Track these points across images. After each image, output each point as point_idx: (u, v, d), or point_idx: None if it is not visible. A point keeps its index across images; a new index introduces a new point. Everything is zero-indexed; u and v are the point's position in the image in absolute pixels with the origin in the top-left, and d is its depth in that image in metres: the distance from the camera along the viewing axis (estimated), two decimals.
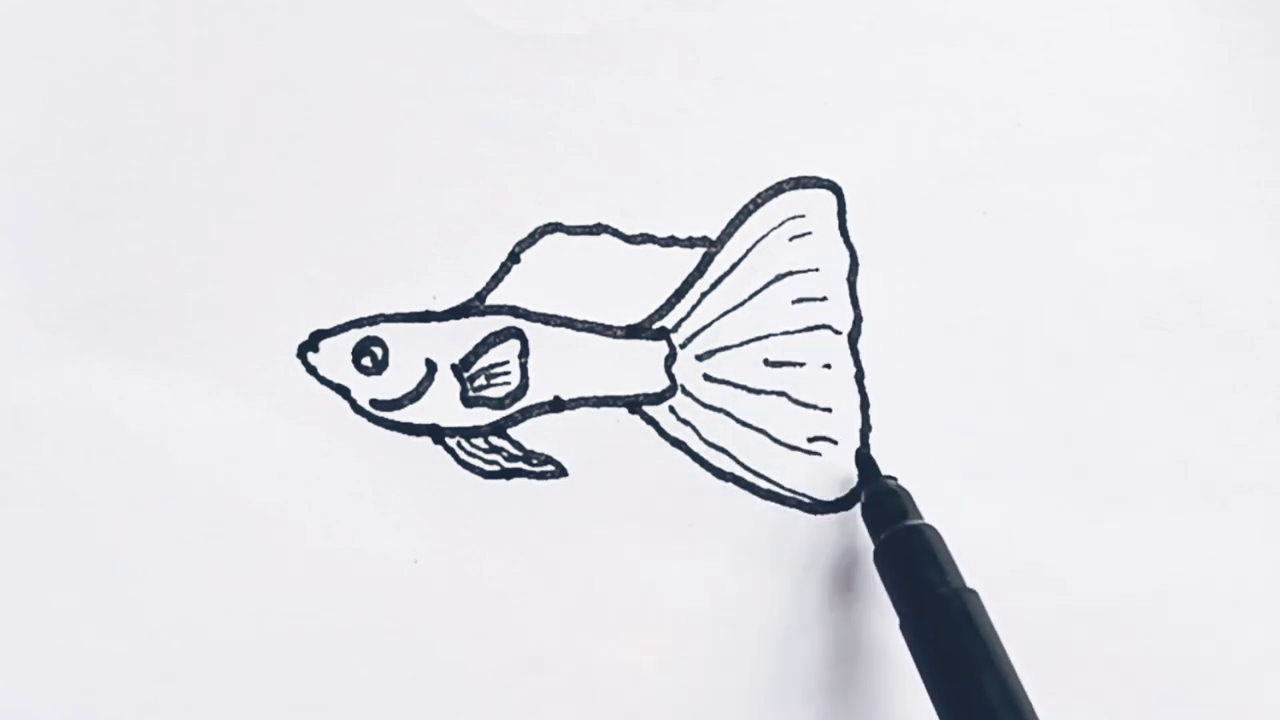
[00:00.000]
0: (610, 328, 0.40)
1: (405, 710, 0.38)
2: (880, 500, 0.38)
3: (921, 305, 0.40)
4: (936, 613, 0.35)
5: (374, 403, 0.39)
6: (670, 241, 0.40)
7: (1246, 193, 0.41)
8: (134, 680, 0.38)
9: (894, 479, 0.39)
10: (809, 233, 0.40)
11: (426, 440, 0.39)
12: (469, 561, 0.38)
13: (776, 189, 0.40)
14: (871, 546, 0.37)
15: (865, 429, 0.40)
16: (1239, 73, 0.41)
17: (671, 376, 0.40)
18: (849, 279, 0.40)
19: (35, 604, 0.38)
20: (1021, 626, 0.40)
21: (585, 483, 0.39)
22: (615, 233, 0.40)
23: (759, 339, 0.40)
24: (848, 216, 0.40)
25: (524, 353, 0.39)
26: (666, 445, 0.40)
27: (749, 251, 0.40)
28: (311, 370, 0.39)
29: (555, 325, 0.40)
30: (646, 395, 0.40)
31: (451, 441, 0.39)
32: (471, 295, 0.39)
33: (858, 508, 0.39)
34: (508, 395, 0.39)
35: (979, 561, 0.40)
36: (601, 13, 0.39)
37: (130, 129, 0.38)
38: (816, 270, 0.40)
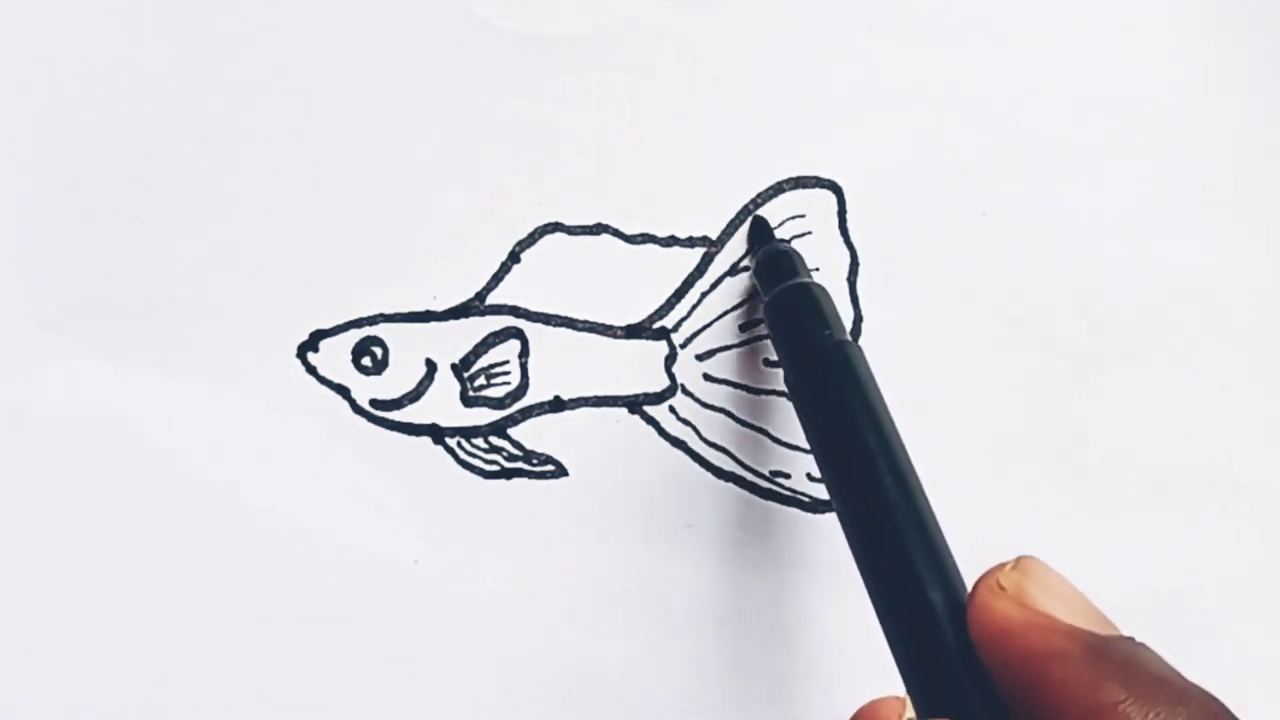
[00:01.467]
0: (610, 328, 0.40)
1: (405, 710, 0.38)
2: (772, 260, 0.38)
3: (921, 305, 0.40)
4: (818, 364, 0.34)
5: (374, 403, 0.39)
6: (670, 241, 0.40)
7: (1246, 193, 0.41)
8: (134, 680, 0.38)
9: (786, 241, 0.39)
10: (809, 233, 0.40)
11: (426, 440, 0.39)
12: (469, 561, 0.38)
13: (776, 189, 0.40)
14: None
15: None
16: (1239, 72, 0.41)
17: (671, 376, 0.40)
18: (849, 279, 0.40)
19: (35, 604, 0.38)
20: None
21: (585, 483, 0.39)
22: (615, 233, 0.40)
23: (759, 339, 0.40)
24: (848, 216, 0.40)
25: (524, 353, 0.39)
26: (666, 445, 0.40)
27: (749, 251, 0.40)
28: (311, 370, 0.39)
29: (555, 325, 0.40)
30: (646, 395, 0.40)
31: (451, 441, 0.39)
32: (471, 295, 0.39)
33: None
34: (508, 395, 0.39)
35: (979, 561, 0.40)
36: (601, 13, 0.39)
37: (130, 129, 0.38)
38: (816, 270, 0.40)
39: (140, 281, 0.38)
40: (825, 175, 0.40)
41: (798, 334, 0.35)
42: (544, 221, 0.39)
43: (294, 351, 0.39)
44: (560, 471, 0.39)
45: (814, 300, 0.36)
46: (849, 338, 0.35)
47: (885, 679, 0.39)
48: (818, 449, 0.34)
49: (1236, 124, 0.41)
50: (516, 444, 0.39)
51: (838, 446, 0.33)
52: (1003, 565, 0.29)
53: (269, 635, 0.38)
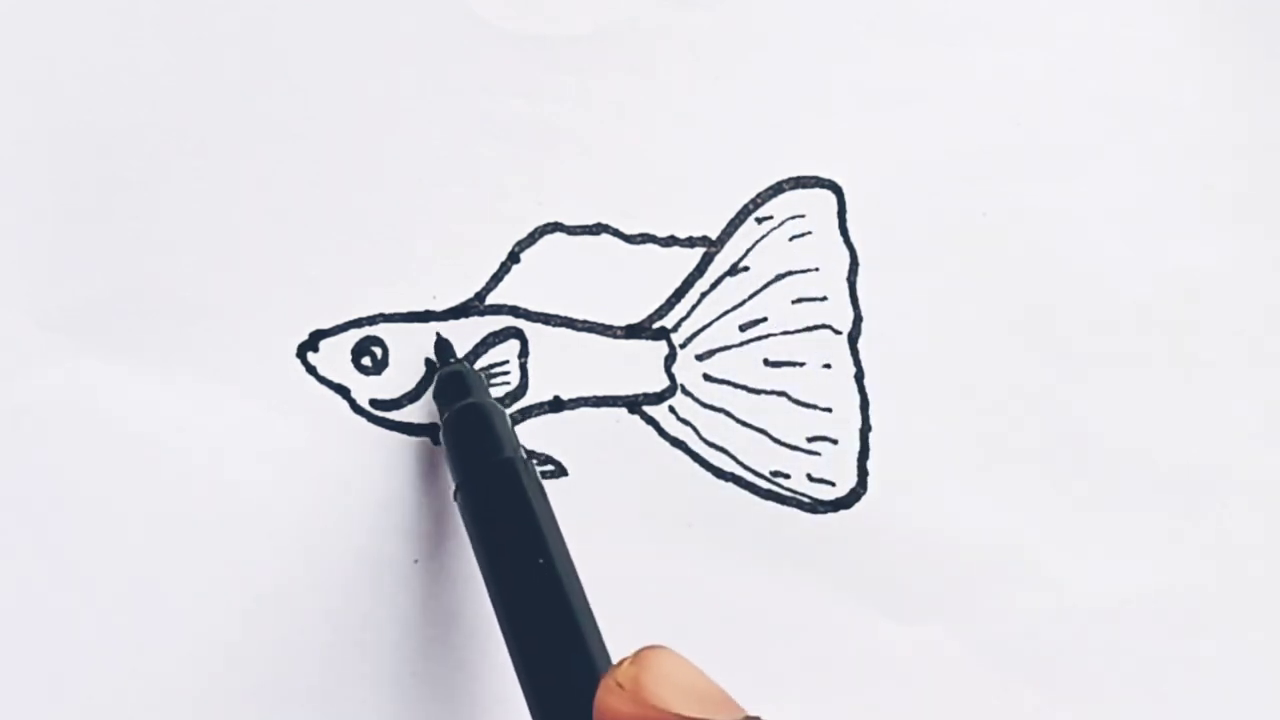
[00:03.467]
0: (610, 328, 0.40)
1: (405, 710, 0.38)
2: (447, 382, 0.38)
3: (921, 305, 0.40)
4: (487, 480, 0.35)
5: (374, 403, 0.39)
6: (670, 241, 0.40)
7: (1246, 193, 0.41)
8: (134, 680, 0.38)
9: (463, 361, 0.39)
10: (809, 232, 0.40)
11: (426, 440, 0.39)
12: (469, 561, 0.38)
13: (776, 189, 0.40)
14: None
15: (865, 429, 0.40)
16: (1239, 72, 0.41)
17: (671, 376, 0.40)
18: (849, 279, 0.40)
19: (35, 604, 0.38)
20: (1021, 626, 0.40)
21: (585, 483, 0.39)
22: (615, 233, 0.40)
23: (759, 339, 0.40)
24: (848, 216, 0.40)
25: (524, 353, 0.39)
26: (666, 445, 0.40)
27: (749, 251, 0.40)
28: (311, 370, 0.39)
29: (555, 325, 0.40)
30: (646, 395, 0.40)
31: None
32: (471, 295, 0.39)
33: (857, 509, 0.39)
34: (508, 395, 0.39)
35: (979, 561, 0.40)
36: (601, 13, 0.39)
37: (130, 129, 0.38)
38: (816, 270, 0.40)
39: (140, 281, 0.38)
40: (825, 175, 0.40)
41: (469, 451, 0.36)
42: (544, 221, 0.39)
43: (294, 351, 0.39)
44: (560, 471, 0.39)
45: (486, 419, 0.36)
46: (520, 453, 0.36)
47: (885, 679, 0.39)
48: (482, 556, 0.34)
49: (1236, 123, 0.41)
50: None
51: (501, 554, 0.34)
52: (623, 661, 0.29)
53: (268, 635, 0.38)
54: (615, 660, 0.29)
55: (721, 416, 0.40)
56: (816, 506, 0.40)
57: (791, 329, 0.40)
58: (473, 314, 0.39)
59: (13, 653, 0.37)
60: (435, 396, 0.38)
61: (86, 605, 0.38)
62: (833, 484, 0.40)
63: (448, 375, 0.38)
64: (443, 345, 0.39)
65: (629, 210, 0.40)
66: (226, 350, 0.38)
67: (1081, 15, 0.41)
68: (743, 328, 0.40)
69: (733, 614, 0.39)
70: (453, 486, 0.36)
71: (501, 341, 0.39)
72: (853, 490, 0.40)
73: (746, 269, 0.40)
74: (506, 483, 0.35)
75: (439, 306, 0.39)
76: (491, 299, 0.39)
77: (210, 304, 0.38)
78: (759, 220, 0.40)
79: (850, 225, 0.40)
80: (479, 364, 0.39)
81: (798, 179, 0.40)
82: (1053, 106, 0.40)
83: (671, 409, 0.40)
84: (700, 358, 0.40)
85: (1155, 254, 0.41)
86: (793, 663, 0.39)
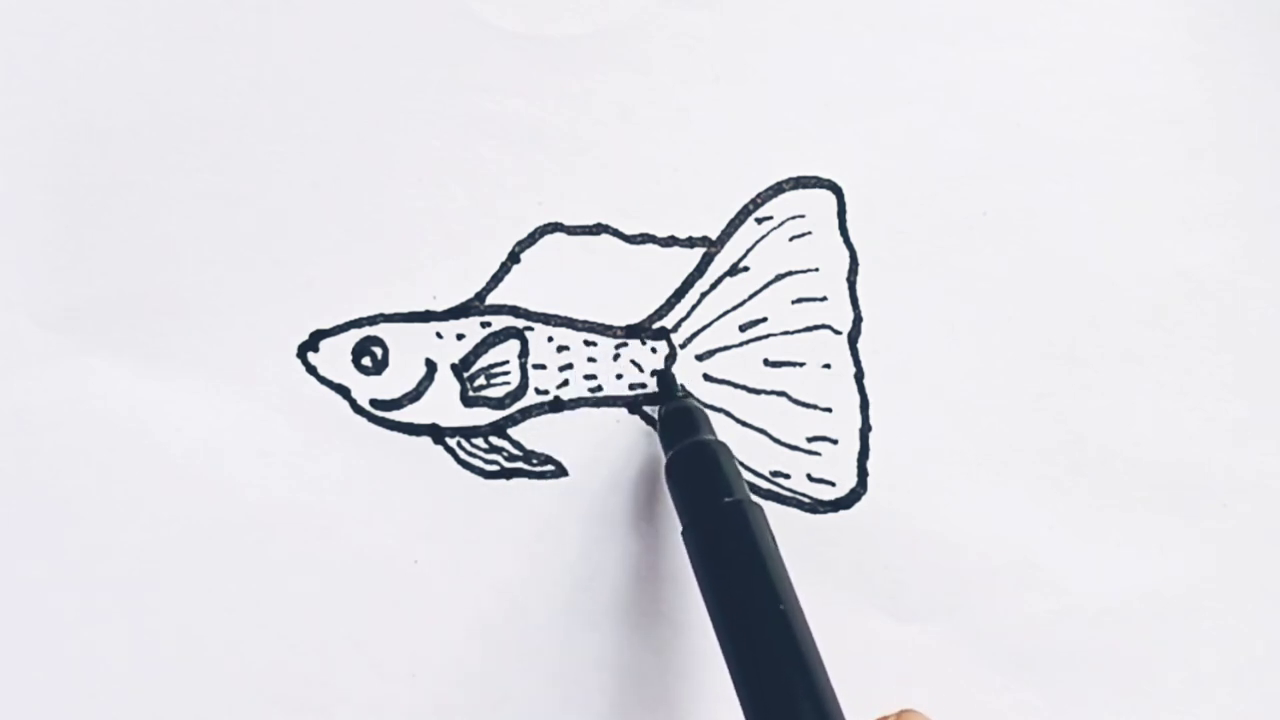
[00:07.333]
0: (610, 328, 0.40)
1: (405, 709, 0.38)
2: (674, 417, 0.38)
3: (921, 305, 0.40)
4: (717, 522, 0.35)
5: (374, 402, 0.39)
6: (670, 241, 0.40)
7: (1246, 193, 0.41)
8: (134, 679, 0.38)
9: (691, 395, 0.39)
10: (809, 233, 0.40)
11: (426, 440, 0.39)
12: (469, 561, 0.38)
13: (776, 189, 0.40)
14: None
15: (865, 429, 0.40)
16: (1239, 72, 0.41)
17: (671, 376, 0.40)
18: (849, 279, 0.40)
19: (35, 604, 0.38)
20: (1021, 626, 0.40)
21: (585, 483, 0.39)
22: (615, 233, 0.40)
23: (759, 339, 0.40)
24: (848, 216, 0.40)
25: (524, 353, 0.39)
26: None
27: (749, 251, 0.40)
28: (311, 370, 0.39)
29: (555, 325, 0.40)
30: (646, 395, 0.40)
31: (451, 441, 0.39)
32: (471, 295, 0.39)
33: (857, 509, 0.39)
34: (507, 395, 0.39)
35: (979, 561, 0.40)
36: (601, 13, 0.39)
37: (130, 129, 0.38)
38: (816, 270, 0.40)
39: (140, 281, 0.38)
40: (825, 175, 0.40)
41: (698, 490, 0.36)
42: (544, 221, 0.39)
43: (294, 351, 0.39)
44: (560, 471, 0.39)
45: (714, 458, 0.36)
46: (749, 496, 0.36)
47: (885, 679, 0.39)
48: (712, 601, 0.34)
49: (1236, 123, 0.41)
50: (516, 444, 0.39)
51: (732, 599, 0.34)
52: (885, 718, 0.29)
53: (268, 634, 0.38)
54: (871, 718, 0.30)
55: (721, 416, 0.40)
56: (816, 506, 0.40)
57: (791, 329, 0.40)
58: (473, 314, 0.39)
59: (13, 652, 0.37)
60: (661, 431, 0.38)
61: (86, 604, 0.38)
62: (833, 484, 0.40)
63: (674, 411, 0.38)
64: (666, 379, 0.39)
65: (629, 210, 0.40)
66: (227, 350, 0.38)
67: (1081, 15, 0.41)
68: (743, 328, 0.40)
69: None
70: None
71: (501, 341, 0.39)
72: (853, 490, 0.40)
73: (746, 269, 0.40)
74: (739, 525, 0.34)
75: (439, 306, 0.39)
76: (491, 299, 0.39)
77: (210, 304, 0.38)
78: (759, 220, 0.40)
79: (850, 225, 0.40)
80: (479, 364, 0.39)
81: (798, 179, 0.40)
82: (1053, 106, 0.40)
83: None
84: (700, 358, 0.40)
85: (1155, 254, 0.41)
86: None
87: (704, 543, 0.35)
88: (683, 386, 0.39)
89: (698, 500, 0.35)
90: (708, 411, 0.38)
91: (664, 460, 0.37)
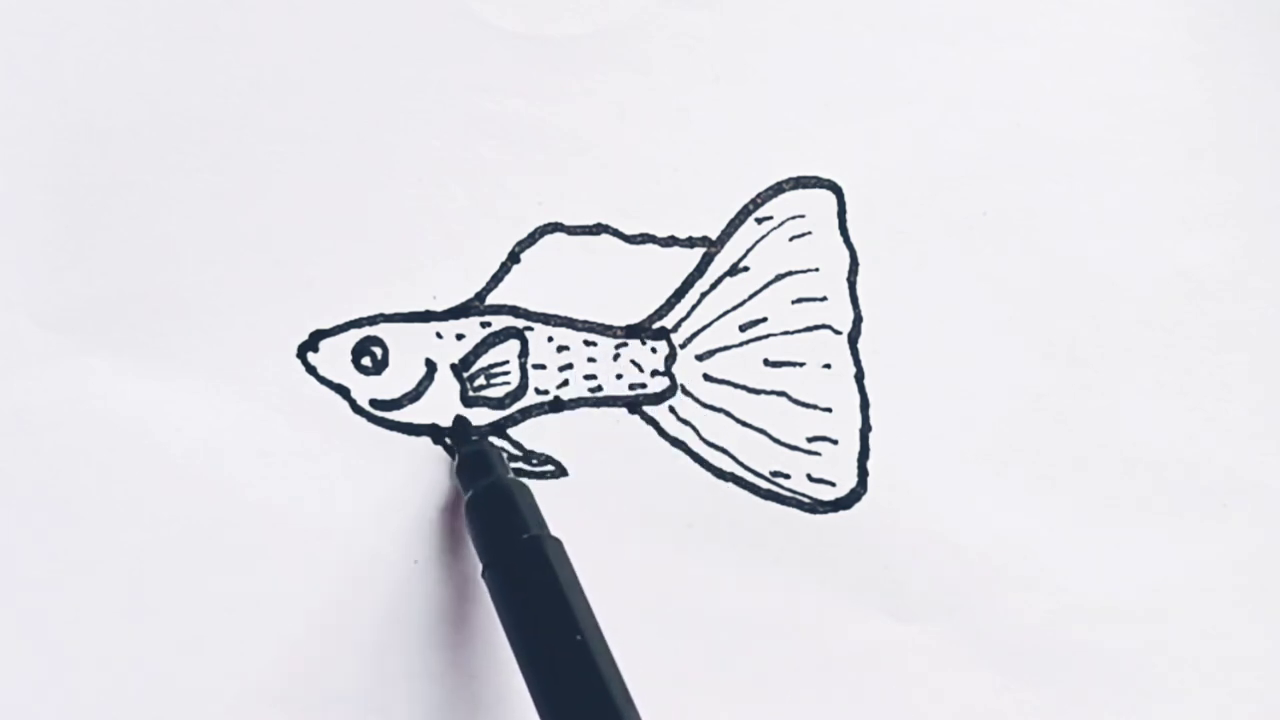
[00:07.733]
0: (610, 328, 0.40)
1: (405, 709, 0.38)
2: (470, 461, 0.38)
3: (921, 305, 0.40)
4: (516, 559, 0.36)
5: (374, 403, 0.39)
6: (670, 241, 0.40)
7: (1246, 193, 0.41)
8: (134, 679, 0.38)
9: (484, 439, 0.39)
10: (809, 233, 0.40)
11: (426, 440, 0.39)
12: (469, 561, 0.38)
13: (776, 189, 0.40)
14: None
15: (865, 429, 0.40)
16: (1239, 72, 0.41)
17: (671, 376, 0.40)
18: (849, 279, 0.40)
19: (35, 604, 0.38)
20: (1021, 626, 0.40)
21: (585, 483, 0.39)
22: (615, 233, 0.40)
23: (759, 339, 0.40)
24: (848, 216, 0.40)
25: (524, 353, 0.39)
26: (666, 445, 0.40)
27: (749, 251, 0.40)
28: (311, 370, 0.39)
29: (555, 325, 0.40)
30: (646, 395, 0.40)
31: (451, 441, 0.39)
32: (471, 295, 0.39)
33: (857, 509, 0.39)
34: (507, 395, 0.39)
35: (979, 561, 0.40)
36: (601, 13, 0.39)
37: (130, 129, 0.38)
38: (816, 270, 0.40)
39: (140, 281, 0.38)
40: (825, 175, 0.40)
41: (496, 529, 0.36)
42: (544, 221, 0.39)
43: (294, 351, 0.39)
44: (560, 471, 0.39)
45: (511, 497, 0.37)
46: (547, 531, 0.36)
47: (885, 679, 0.39)
48: (515, 637, 0.35)
49: (1236, 123, 0.41)
50: (516, 444, 0.39)
51: (534, 635, 0.34)
52: None
53: (268, 634, 0.38)
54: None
55: (721, 416, 0.40)
56: (816, 506, 0.40)
57: (791, 329, 0.40)
58: (473, 314, 0.39)
59: (13, 652, 0.37)
60: (458, 475, 0.38)
61: (86, 604, 0.38)
62: (833, 484, 0.40)
63: (469, 454, 0.38)
64: (461, 423, 0.39)
65: (629, 210, 0.40)
66: (227, 350, 0.38)
67: (1081, 15, 0.41)
68: (743, 328, 0.40)
69: (733, 614, 0.39)
70: (479, 566, 0.36)
71: (501, 341, 0.39)
72: (853, 490, 0.40)
73: (746, 269, 0.40)
74: (534, 561, 0.35)
75: (439, 306, 0.39)
76: (491, 299, 0.39)
77: (210, 304, 0.38)
78: (759, 220, 0.40)
79: (850, 225, 0.40)
80: (479, 364, 0.39)
81: (798, 179, 0.40)
82: (1052, 106, 0.41)
83: (671, 409, 0.40)
84: (700, 358, 0.40)
85: (1155, 254, 0.41)
86: (793, 663, 0.39)
87: (500, 581, 0.36)
88: (478, 429, 0.39)
89: (495, 539, 0.36)
90: (503, 452, 0.39)
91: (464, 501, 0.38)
